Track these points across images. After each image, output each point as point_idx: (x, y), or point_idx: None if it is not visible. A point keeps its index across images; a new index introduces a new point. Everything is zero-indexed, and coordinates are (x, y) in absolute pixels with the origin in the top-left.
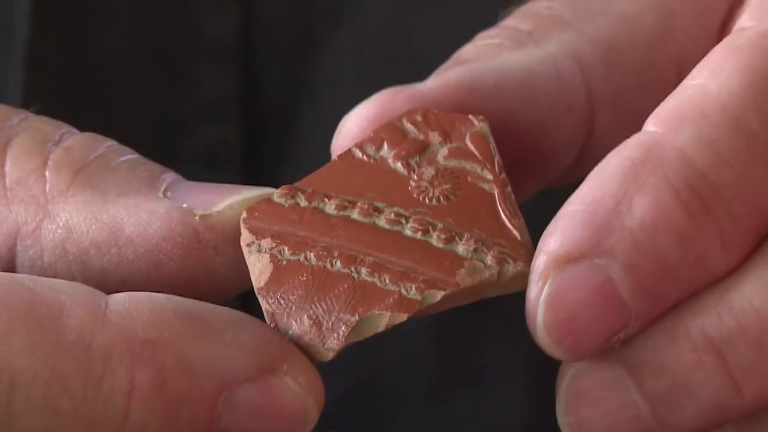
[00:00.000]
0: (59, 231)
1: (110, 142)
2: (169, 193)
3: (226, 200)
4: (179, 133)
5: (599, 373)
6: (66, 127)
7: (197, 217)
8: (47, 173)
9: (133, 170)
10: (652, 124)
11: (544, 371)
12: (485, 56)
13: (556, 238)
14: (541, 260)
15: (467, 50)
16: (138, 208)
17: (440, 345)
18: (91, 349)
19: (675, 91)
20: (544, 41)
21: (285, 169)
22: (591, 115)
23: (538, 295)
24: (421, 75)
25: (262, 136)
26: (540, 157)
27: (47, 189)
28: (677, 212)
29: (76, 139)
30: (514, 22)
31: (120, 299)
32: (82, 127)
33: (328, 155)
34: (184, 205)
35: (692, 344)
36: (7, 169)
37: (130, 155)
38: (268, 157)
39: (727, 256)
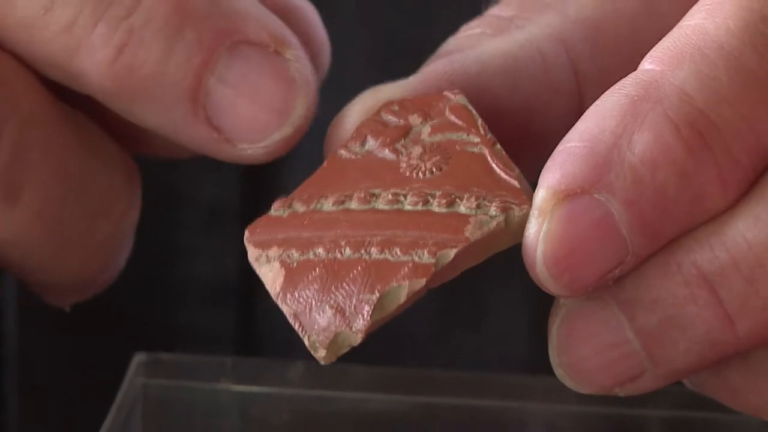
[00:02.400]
0: None
1: None
2: (210, 111)
3: (276, 133)
4: None
5: (591, 311)
6: None
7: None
8: None
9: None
10: (649, 63)
11: (545, 308)
12: (466, 46)
13: (554, 173)
14: (540, 196)
15: (449, 43)
16: (174, 128)
17: (443, 285)
18: None
19: (671, 32)
20: (526, 25)
21: None
22: (579, 95)
23: (538, 230)
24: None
25: None
26: (531, 139)
27: None
28: (677, 148)
29: None
30: (496, 10)
31: None
32: None
33: (327, 96)
34: (222, 135)
35: (684, 279)
36: None
37: None
38: None
39: (724, 194)
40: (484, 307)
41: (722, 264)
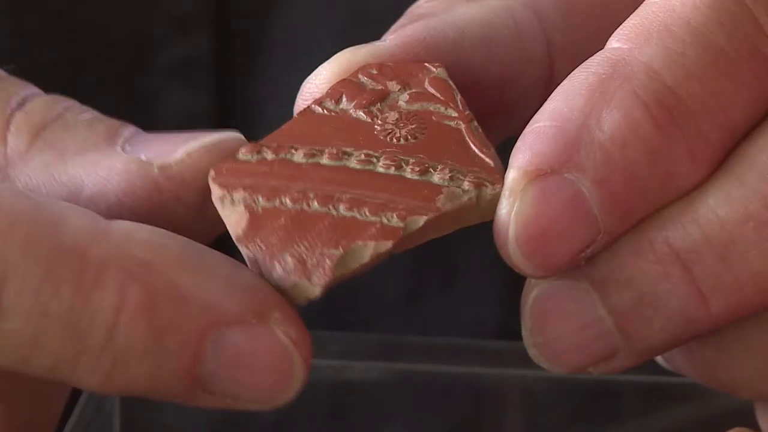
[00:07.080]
0: None
1: (69, 102)
2: (127, 147)
3: (184, 148)
4: (150, 46)
5: (564, 290)
6: (30, 89)
7: (156, 169)
8: (8, 137)
9: (91, 127)
10: (616, 41)
11: (517, 272)
12: (441, 10)
13: (525, 154)
14: (511, 176)
15: (420, 5)
16: (96, 165)
17: (415, 248)
18: (86, 258)
19: (637, 10)
20: None
21: (257, 79)
22: (550, 65)
23: (509, 210)
24: None
25: (232, 47)
26: (502, 108)
27: (8, 153)
28: (646, 126)
29: (36, 102)
30: None
31: (122, 222)
32: (52, 43)
33: (298, 65)
34: (143, 158)
35: (657, 256)
36: None
37: (88, 113)
38: (240, 69)
39: (694, 171)
40: (456, 269)
41: (694, 241)
